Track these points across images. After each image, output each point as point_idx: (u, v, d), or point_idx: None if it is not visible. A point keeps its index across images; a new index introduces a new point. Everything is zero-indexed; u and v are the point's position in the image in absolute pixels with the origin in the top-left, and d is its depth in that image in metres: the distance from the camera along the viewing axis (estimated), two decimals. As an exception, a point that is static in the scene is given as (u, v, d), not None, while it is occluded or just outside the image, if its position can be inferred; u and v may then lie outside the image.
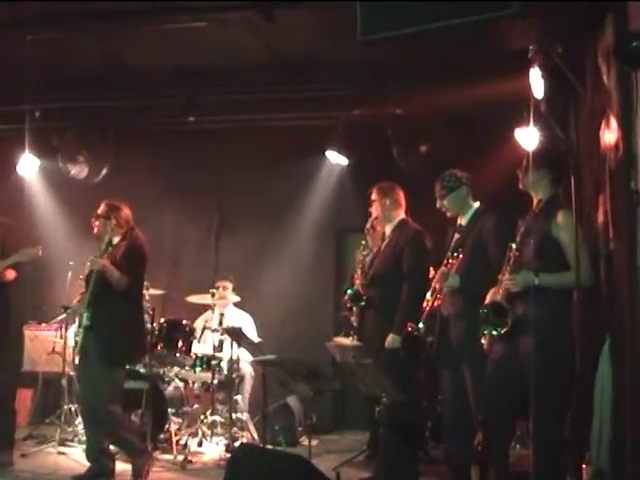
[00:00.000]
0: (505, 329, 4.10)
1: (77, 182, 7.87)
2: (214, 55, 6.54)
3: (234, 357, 6.64)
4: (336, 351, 4.98)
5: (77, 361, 5.56)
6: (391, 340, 5.08)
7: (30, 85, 6.46)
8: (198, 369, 6.70)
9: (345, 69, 6.64)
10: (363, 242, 5.69)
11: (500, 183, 5.64)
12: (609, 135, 4.46)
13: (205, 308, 7.19)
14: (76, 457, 6.15)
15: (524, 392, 4.10)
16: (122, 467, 5.52)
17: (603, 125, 4.62)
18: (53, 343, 7.33)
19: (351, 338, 5.52)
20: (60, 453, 6.37)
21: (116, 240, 5.56)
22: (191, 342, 6.73)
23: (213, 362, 6.59)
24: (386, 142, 7.15)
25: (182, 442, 6.42)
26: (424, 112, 6.81)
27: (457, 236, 4.87)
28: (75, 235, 7.69)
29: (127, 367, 6.30)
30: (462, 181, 4.89)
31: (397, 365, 4.89)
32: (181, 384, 6.89)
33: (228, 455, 5.89)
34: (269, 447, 5.92)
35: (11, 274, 5.72)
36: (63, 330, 7.11)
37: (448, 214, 4.96)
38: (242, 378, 6.98)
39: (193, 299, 7.14)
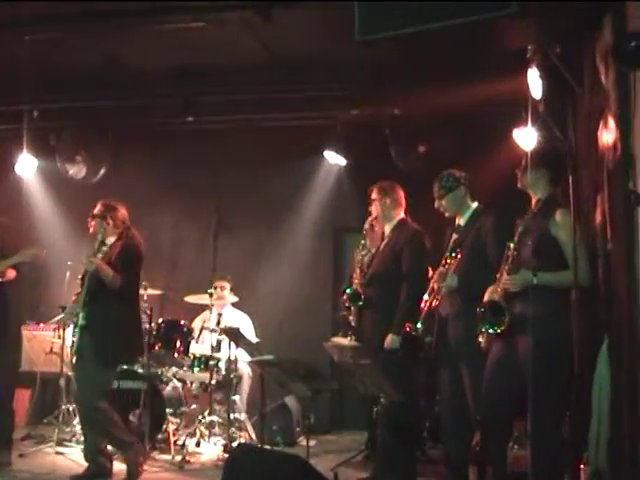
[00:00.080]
0: (502, 328, 4.11)
1: (75, 182, 7.86)
2: (212, 55, 6.55)
3: (232, 357, 6.64)
4: (334, 351, 4.98)
5: (74, 361, 5.56)
6: (390, 340, 5.08)
7: (28, 85, 6.45)
8: (196, 369, 6.69)
9: (343, 69, 6.64)
10: (362, 242, 5.68)
11: (498, 183, 5.65)
12: (607, 135, 4.47)
13: (203, 308, 7.19)
14: (74, 457, 6.14)
15: (522, 392, 4.11)
16: (120, 467, 5.51)
17: (601, 125, 4.63)
18: (51, 343, 7.32)
19: (349, 338, 5.51)
20: (58, 453, 6.36)
21: (112, 240, 5.56)
22: (189, 342, 6.73)
23: (211, 362, 6.59)
24: (384, 142, 7.15)
25: (180, 442, 6.42)
26: (422, 112, 6.81)
27: (455, 236, 4.88)
28: (73, 235, 7.67)
29: (125, 367, 6.34)
30: (460, 181, 4.90)
31: (396, 365, 4.89)
32: (179, 384, 6.88)
33: (226, 455, 5.87)
34: (267, 447, 5.95)
35: (12, 274, 5.73)
36: (61, 330, 7.10)
37: (446, 214, 4.96)
38: (240, 378, 6.99)
39: (191, 299, 7.14)
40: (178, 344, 6.63)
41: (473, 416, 4.44)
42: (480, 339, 4.28)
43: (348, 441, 7.19)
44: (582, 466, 4.20)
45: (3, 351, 5.76)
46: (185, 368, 6.79)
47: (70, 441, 6.59)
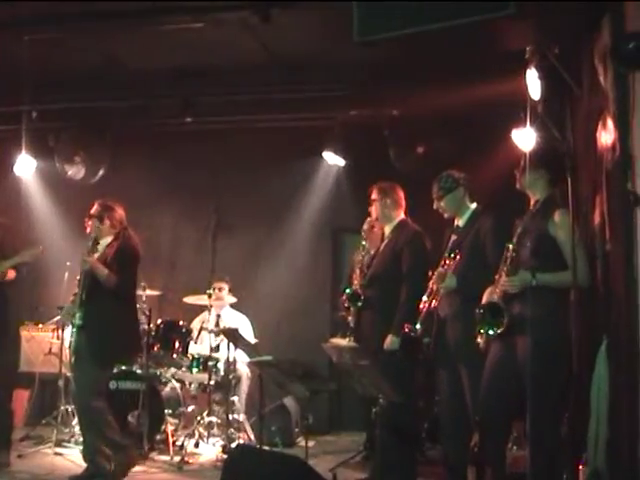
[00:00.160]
0: (501, 329, 4.11)
1: (74, 183, 7.86)
2: (212, 56, 6.55)
3: (231, 358, 6.63)
4: (333, 352, 4.97)
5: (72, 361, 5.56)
6: (390, 342, 5.07)
7: (27, 85, 6.44)
8: (195, 370, 6.69)
9: (342, 70, 6.64)
10: (363, 243, 5.68)
11: (497, 184, 5.65)
12: (606, 136, 4.47)
13: (202, 309, 7.19)
14: (73, 458, 6.13)
15: (521, 393, 4.11)
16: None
17: (600, 126, 4.63)
18: (50, 344, 7.31)
19: (348, 339, 5.51)
20: (57, 454, 6.35)
21: (109, 240, 5.57)
22: (188, 343, 6.74)
23: (210, 363, 6.59)
24: (383, 143, 7.14)
25: (179, 443, 6.42)
26: (421, 113, 6.81)
27: (454, 237, 4.88)
28: (72, 236, 7.64)
29: (124, 368, 6.34)
30: (459, 182, 4.90)
31: (395, 366, 4.88)
32: (178, 385, 6.88)
33: (225, 456, 5.86)
34: (266, 448, 5.95)
35: (12, 275, 5.73)
36: (60, 331, 7.10)
37: (445, 215, 4.96)
38: (239, 379, 6.99)
39: (190, 300, 7.15)
40: (177, 345, 6.64)
41: (472, 417, 4.44)
42: (479, 340, 4.28)
43: (347, 442, 7.19)
44: (581, 466, 4.21)
45: (2, 352, 5.77)
46: (184, 369, 6.80)
47: (69, 442, 6.58)
